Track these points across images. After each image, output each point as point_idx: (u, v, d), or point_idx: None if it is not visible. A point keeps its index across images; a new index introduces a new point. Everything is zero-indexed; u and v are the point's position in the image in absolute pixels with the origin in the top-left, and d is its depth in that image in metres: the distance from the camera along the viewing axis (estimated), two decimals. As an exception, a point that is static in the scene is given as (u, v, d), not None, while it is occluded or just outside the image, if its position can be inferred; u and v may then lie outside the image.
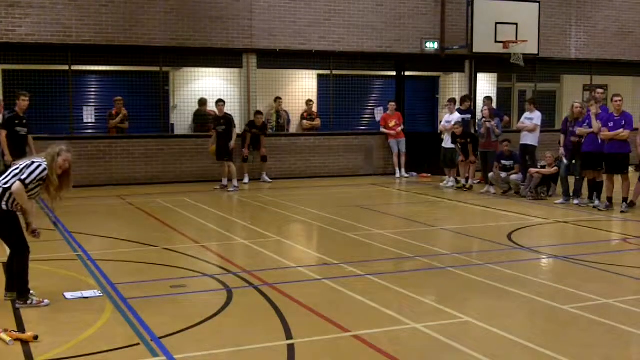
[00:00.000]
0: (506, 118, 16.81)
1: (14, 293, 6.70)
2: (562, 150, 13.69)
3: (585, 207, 12.88)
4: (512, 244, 9.77)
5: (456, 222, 12.10)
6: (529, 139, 15.11)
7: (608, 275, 8.07)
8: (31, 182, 6.53)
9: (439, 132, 17.00)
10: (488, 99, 16.72)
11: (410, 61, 19.04)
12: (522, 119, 15.58)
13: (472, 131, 16.62)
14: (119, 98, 16.52)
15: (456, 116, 16.33)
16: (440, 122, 17.24)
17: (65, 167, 6.69)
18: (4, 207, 6.56)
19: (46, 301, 6.64)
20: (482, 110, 15.95)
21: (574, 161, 13.25)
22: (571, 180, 13.45)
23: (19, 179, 6.51)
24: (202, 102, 17.50)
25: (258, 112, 16.71)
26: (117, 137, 16.51)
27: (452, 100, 16.93)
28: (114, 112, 16.54)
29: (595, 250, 9.44)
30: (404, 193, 16.00)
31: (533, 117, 15.17)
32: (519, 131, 15.55)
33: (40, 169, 6.56)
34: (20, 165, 6.66)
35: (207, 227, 11.25)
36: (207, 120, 17.05)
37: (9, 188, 6.53)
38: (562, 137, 13.78)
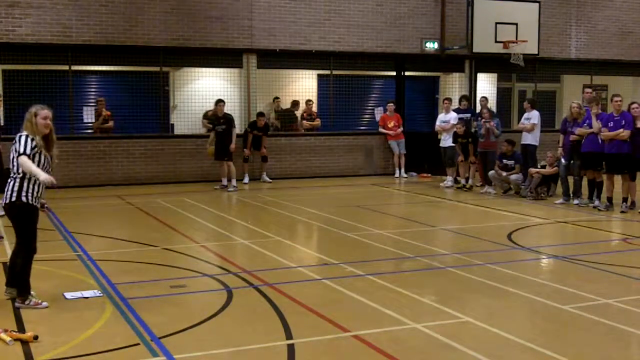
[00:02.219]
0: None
1: (15, 289, 6.69)
2: (560, 150, 13.72)
3: (585, 207, 12.88)
4: (512, 244, 9.77)
5: (456, 222, 12.10)
6: (529, 138, 15.15)
7: (608, 275, 8.06)
8: (30, 150, 6.41)
9: (436, 131, 17.00)
10: (485, 98, 16.70)
11: (410, 61, 19.04)
12: (522, 119, 15.61)
13: (472, 130, 16.59)
14: (101, 99, 16.57)
15: (452, 115, 16.35)
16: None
17: (48, 124, 6.60)
18: (23, 199, 6.54)
19: (44, 303, 6.60)
20: (481, 111, 15.92)
21: (572, 161, 13.26)
22: (571, 180, 13.45)
23: (18, 155, 6.44)
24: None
25: (260, 114, 16.68)
26: (117, 137, 16.52)
27: (449, 100, 16.96)
28: (95, 113, 16.60)
29: (595, 250, 9.44)
30: (404, 193, 16.00)
31: (531, 117, 15.20)
32: (520, 131, 15.57)
33: (24, 138, 6.48)
34: (12, 149, 6.56)
35: (207, 227, 11.25)
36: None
37: (24, 175, 6.51)
38: (561, 137, 13.79)
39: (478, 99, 17.59)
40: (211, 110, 17.34)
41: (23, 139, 6.50)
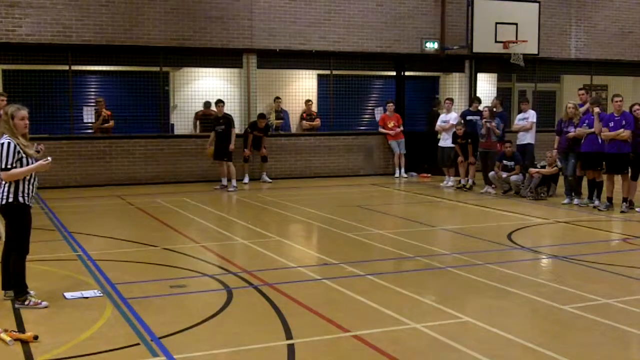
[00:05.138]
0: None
1: (12, 291, 6.69)
2: (555, 152, 13.74)
3: (585, 207, 12.89)
4: (512, 244, 9.77)
5: (456, 222, 12.10)
6: (527, 138, 15.15)
7: (608, 275, 8.07)
8: (11, 163, 6.42)
9: (435, 130, 16.96)
10: (497, 99, 16.57)
11: (410, 61, 19.04)
12: (517, 120, 15.58)
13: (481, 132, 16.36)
14: (100, 99, 16.58)
15: (453, 115, 16.31)
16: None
17: (27, 124, 6.57)
18: (20, 199, 6.54)
19: (44, 303, 6.60)
20: (483, 111, 15.84)
21: (567, 162, 13.25)
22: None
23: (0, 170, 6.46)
24: (207, 105, 17.43)
25: (261, 116, 16.67)
26: (117, 137, 16.52)
27: (451, 100, 16.92)
28: (95, 114, 16.63)
29: (595, 250, 9.44)
30: (403, 193, 16.00)
31: (528, 116, 15.20)
32: (517, 132, 15.53)
33: (5, 146, 6.44)
34: None
35: (207, 227, 11.25)
36: (210, 120, 17.13)
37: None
38: (556, 138, 13.76)
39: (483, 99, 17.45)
40: (201, 111, 17.41)
41: (5, 149, 6.42)
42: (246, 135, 16.57)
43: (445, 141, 16.15)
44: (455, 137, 15.53)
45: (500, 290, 7.34)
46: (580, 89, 15.53)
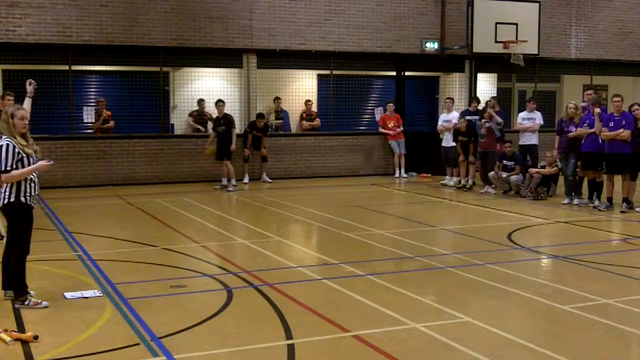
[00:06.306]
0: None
1: (12, 291, 6.68)
2: (555, 152, 13.73)
3: (585, 207, 12.89)
4: (512, 244, 9.76)
5: (456, 222, 12.10)
6: (533, 139, 15.15)
7: (608, 275, 8.06)
8: (11, 165, 6.41)
9: (437, 131, 16.95)
10: (494, 98, 16.55)
11: (410, 61, 19.04)
12: (520, 120, 15.55)
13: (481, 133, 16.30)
14: (101, 99, 16.59)
15: (454, 115, 16.30)
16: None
17: (26, 125, 6.55)
18: (22, 199, 6.54)
19: (44, 303, 6.60)
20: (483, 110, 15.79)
21: (567, 162, 13.26)
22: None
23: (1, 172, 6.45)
24: (200, 102, 17.47)
25: (260, 115, 16.68)
26: (117, 137, 16.53)
27: (451, 99, 16.89)
28: (95, 114, 16.64)
29: (595, 250, 9.44)
30: (404, 193, 16.00)
31: (535, 117, 15.19)
32: (518, 131, 15.52)
33: (4, 147, 6.42)
34: None
35: (207, 227, 11.25)
36: (204, 119, 17.18)
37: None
38: (557, 138, 13.76)
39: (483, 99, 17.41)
40: (196, 110, 17.42)
41: (4, 150, 6.40)
42: (246, 135, 16.58)
43: (448, 141, 16.13)
44: (456, 134, 15.50)
45: (500, 290, 7.34)
46: (588, 89, 15.50)
